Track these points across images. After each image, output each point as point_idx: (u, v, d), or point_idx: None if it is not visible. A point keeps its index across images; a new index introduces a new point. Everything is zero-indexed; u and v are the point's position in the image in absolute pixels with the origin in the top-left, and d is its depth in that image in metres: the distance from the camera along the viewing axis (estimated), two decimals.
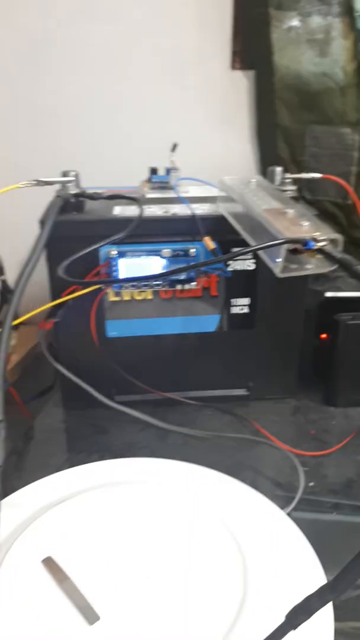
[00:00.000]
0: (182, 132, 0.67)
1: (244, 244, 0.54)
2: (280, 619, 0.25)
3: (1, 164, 0.76)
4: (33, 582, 0.36)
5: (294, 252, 0.41)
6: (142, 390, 0.59)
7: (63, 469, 0.48)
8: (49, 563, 0.38)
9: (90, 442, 0.56)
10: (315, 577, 0.37)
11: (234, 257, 0.49)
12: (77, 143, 0.77)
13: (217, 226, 0.54)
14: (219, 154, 0.75)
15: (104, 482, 0.46)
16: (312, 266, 0.41)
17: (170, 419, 0.57)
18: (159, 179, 0.64)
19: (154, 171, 0.66)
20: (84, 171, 0.62)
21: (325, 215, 0.73)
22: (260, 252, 0.44)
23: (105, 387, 0.58)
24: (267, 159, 0.75)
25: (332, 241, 0.40)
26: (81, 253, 0.50)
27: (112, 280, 0.54)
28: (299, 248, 0.39)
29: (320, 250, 0.38)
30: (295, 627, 0.25)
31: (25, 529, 0.41)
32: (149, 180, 0.65)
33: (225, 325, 0.59)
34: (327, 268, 0.41)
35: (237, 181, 0.54)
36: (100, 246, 0.51)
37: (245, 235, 0.49)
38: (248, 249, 0.39)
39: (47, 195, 0.58)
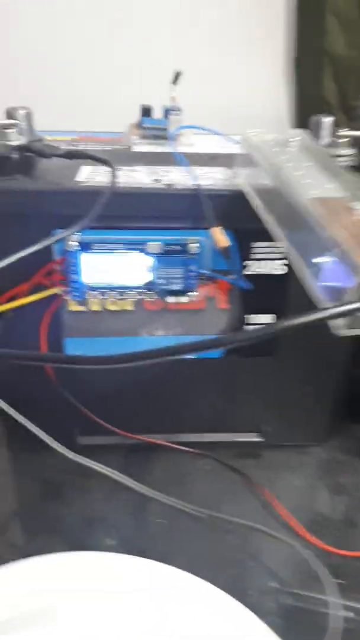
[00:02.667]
0: (188, 61, 0.45)
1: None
2: None
3: None
4: None
5: None
6: (114, 432, 0.43)
7: None
8: None
9: (39, 512, 0.40)
10: None
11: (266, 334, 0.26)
12: (47, 67, 0.55)
13: (232, 208, 0.35)
14: (239, 95, 0.53)
15: (45, 604, 0.31)
16: None
17: (153, 474, 0.41)
18: (152, 124, 0.45)
19: (146, 111, 0.46)
20: (54, 107, 0.42)
21: None
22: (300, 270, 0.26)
23: (66, 425, 0.41)
24: (306, 104, 0.53)
25: None
26: (28, 251, 0.32)
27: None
28: None
29: None
30: None
31: None
32: (139, 125, 0.46)
33: (235, 351, 0.41)
34: None
35: (269, 140, 0.34)
36: (53, 242, 0.32)
37: (274, 227, 0.30)
38: (295, 322, 0.20)
39: None
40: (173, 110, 0.45)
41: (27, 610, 0.30)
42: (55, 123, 0.44)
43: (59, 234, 0.31)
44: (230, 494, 0.41)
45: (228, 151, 0.42)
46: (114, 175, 0.32)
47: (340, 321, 0.22)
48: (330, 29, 0.50)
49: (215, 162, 0.40)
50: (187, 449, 0.44)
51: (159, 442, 0.44)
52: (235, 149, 0.41)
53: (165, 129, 0.45)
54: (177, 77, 0.43)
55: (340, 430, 0.46)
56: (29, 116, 0.39)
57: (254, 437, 0.45)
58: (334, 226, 0.24)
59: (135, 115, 0.47)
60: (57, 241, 0.32)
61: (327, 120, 0.39)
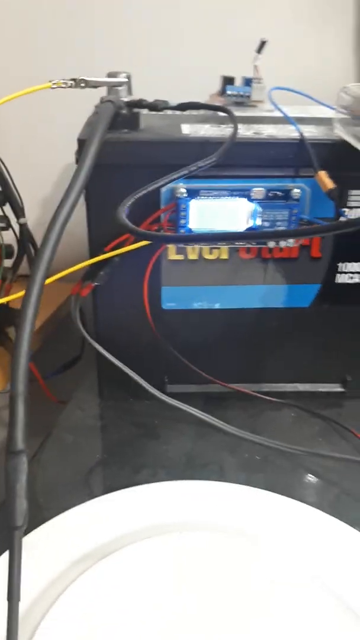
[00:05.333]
0: (260, 34, 0.48)
1: None
2: None
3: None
4: None
5: None
6: (202, 379, 0.44)
7: (98, 493, 0.34)
8: None
9: (137, 450, 0.42)
10: None
11: None
12: (115, 42, 0.57)
13: (335, 156, 0.37)
14: (310, 67, 0.56)
15: (161, 521, 0.32)
16: None
17: (239, 421, 0.43)
18: (236, 91, 0.47)
19: (229, 81, 0.48)
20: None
21: None
22: None
23: (155, 374, 0.43)
24: None
25: None
26: (148, 189, 0.34)
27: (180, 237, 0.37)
28: None
29: None
30: None
31: (57, 595, 0.27)
32: (222, 93, 0.48)
33: (325, 299, 0.43)
34: None
35: None
36: (186, 174, 0.34)
37: None
38: None
39: (82, 110, 0.42)
40: (255, 79, 0.47)
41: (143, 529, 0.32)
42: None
43: (189, 168, 0.33)
44: (321, 437, 0.43)
45: (312, 115, 0.44)
46: (234, 122, 0.35)
47: None
48: None
49: (309, 122, 0.42)
50: (271, 398, 0.46)
51: (244, 390, 0.45)
52: (323, 112, 0.44)
53: (248, 96, 0.47)
54: (262, 45, 0.45)
55: None
56: (129, 78, 0.41)
57: (337, 388, 0.47)
58: None
59: (214, 87, 0.49)
60: (182, 177, 0.34)
61: None
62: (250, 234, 0.34)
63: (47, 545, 0.30)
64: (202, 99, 0.48)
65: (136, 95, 0.42)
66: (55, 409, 0.46)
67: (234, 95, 0.47)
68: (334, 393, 0.47)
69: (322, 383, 0.47)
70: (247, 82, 0.48)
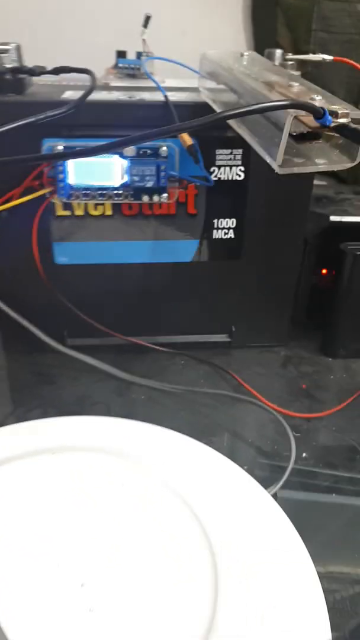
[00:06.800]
0: (159, 14, 0.51)
1: (234, 142, 0.42)
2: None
3: None
4: None
5: (300, 139, 0.29)
6: (100, 333, 0.48)
7: None
8: None
9: (33, 393, 0.45)
10: (305, 577, 0.27)
11: (213, 121, 0.28)
12: (22, 16, 0.60)
13: (198, 117, 0.40)
14: (205, 43, 0.59)
15: (40, 446, 0.36)
16: (325, 161, 0.29)
17: (134, 369, 0.46)
18: (127, 64, 0.50)
19: (121, 54, 0.51)
20: (31, 57, 0.47)
21: None
22: (255, 145, 0.32)
23: (55, 327, 0.46)
24: (263, 48, 0.60)
25: (356, 121, 0.27)
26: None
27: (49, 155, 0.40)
28: (309, 127, 0.27)
29: (342, 129, 0.26)
30: None
31: None
32: (115, 66, 0.51)
33: (204, 254, 0.47)
34: (345, 164, 0.29)
35: (224, 56, 0.40)
36: (33, 121, 0.37)
37: (236, 127, 0.36)
38: (236, 111, 0.26)
39: None
40: (144, 53, 0.51)
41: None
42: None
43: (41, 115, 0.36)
44: (204, 379, 0.47)
45: (195, 85, 0.48)
46: (93, 78, 0.38)
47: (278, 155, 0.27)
48: None
49: (182, 90, 0.46)
50: (163, 349, 0.49)
51: (139, 342, 0.49)
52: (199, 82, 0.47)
53: (139, 68, 0.50)
54: (147, 20, 0.49)
55: (302, 332, 0.52)
56: (18, 48, 0.44)
57: (223, 338, 0.51)
58: (275, 94, 0.30)
59: (110, 62, 0.53)
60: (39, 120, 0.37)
61: (278, 51, 0.45)
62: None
63: None
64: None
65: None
66: None
67: (125, 68, 0.51)
68: (221, 342, 0.51)
69: (210, 334, 0.51)
70: (139, 55, 0.51)
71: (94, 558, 0.28)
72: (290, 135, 0.28)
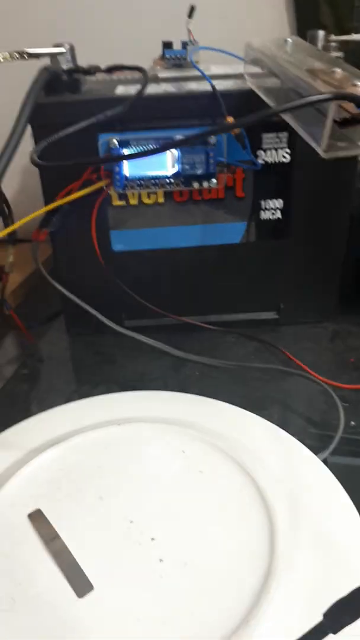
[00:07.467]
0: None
1: (279, 125, 0.43)
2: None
3: None
4: (15, 541, 0.30)
5: (344, 124, 0.30)
6: (155, 314, 0.51)
7: (62, 404, 0.41)
8: (37, 518, 0.31)
9: (96, 372, 0.49)
10: (355, 533, 0.29)
11: (257, 120, 0.35)
12: (73, 16, 0.63)
13: (244, 105, 0.42)
14: (244, 25, 0.61)
15: (108, 419, 0.39)
16: None
17: (187, 347, 0.49)
18: (173, 54, 0.52)
19: (167, 45, 0.53)
20: (82, 52, 0.50)
21: None
22: (300, 131, 0.33)
23: (113, 310, 0.50)
24: (305, 29, 0.60)
25: None
26: (60, 135, 0.40)
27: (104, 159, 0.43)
28: (352, 114, 0.28)
29: None
30: (335, 631, 0.18)
31: (11, 475, 0.34)
32: (162, 57, 0.53)
33: (252, 235, 0.49)
34: None
35: (268, 43, 0.41)
36: (94, 122, 0.40)
37: (281, 114, 0.37)
38: (284, 107, 0.28)
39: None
40: (190, 42, 0.52)
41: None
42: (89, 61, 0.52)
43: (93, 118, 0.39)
44: (254, 355, 0.49)
45: (239, 71, 0.49)
46: (145, 77, 0.40)
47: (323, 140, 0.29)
48: None
49: (230, 78, 0.47)
50: (214, 327, 0.52)
51: (191, 321, 0.52)
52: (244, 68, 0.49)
53: (185, 58, 0.52)
54: (192, 10, 0.51)
55: (350, 307, 0.54)
56: (72, 49, 0.47)
57: (271, 315, 0.53)
58: (320, 84, 0.32)
59: (156, 52, 0.55)
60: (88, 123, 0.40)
61: (321, 32, 0.46)
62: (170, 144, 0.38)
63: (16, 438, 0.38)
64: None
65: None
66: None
67: (172, 59, 0.52)
68: (270, 320, 0.53)
69: (259, 312, 0.53)
70: (184, 44, 0.53)
71: (162, 515, 0.31)
72: (333, 121, 0.29)
